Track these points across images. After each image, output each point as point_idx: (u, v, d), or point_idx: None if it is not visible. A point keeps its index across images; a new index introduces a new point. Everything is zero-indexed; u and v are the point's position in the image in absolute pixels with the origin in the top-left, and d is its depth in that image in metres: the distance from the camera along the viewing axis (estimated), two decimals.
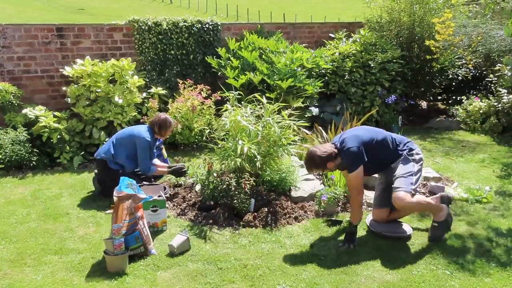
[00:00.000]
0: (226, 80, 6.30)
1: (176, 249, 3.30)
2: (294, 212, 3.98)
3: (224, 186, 3.96)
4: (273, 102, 4.45)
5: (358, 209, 3.48)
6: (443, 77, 7.79)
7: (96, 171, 4.59)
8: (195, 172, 4.43)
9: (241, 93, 5.20)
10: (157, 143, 5.11)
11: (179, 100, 5.92)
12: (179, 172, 4.54)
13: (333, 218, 3.89)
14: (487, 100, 6.90)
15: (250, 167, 4.19)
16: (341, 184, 4.33)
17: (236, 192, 3.91)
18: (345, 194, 4.30)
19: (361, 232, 3.66)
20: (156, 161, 4.72)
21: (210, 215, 3.89)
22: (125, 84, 5.97)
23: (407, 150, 3.58)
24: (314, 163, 3.48)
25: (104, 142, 5.32)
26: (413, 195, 3.43)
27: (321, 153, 3.44)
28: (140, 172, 4.53)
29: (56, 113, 5.74)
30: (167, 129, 4.60)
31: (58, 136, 5.48)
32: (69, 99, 5.93)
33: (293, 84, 6.33)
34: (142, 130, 4.50)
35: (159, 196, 3.80)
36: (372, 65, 7.09)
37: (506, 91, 6.55)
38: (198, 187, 4.14)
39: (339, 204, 4.15)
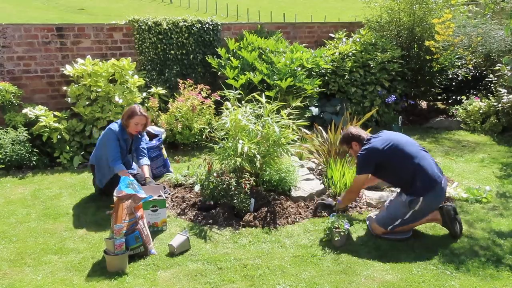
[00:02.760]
0: (226, 80, 6.30)
1: (176, 249, 3.30)
2: (294, 212, 3.98)
3: (224, 186, 3.96)
4: (272, 101, 4.45)
5: (347, 201, 3.90)
6: (443, 77, 7.79)
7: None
8: (195, 172, 4.43)
9: (241, 92, 5.20)
10: (157, 143, 5.11)
11: (179, 99, 5.92)
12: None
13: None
14: (487, 100, 6.90)
15: (250, 167, 4.19)
16: (340, 185, 4.33)
17: (236, 192, 3.91)
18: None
19: (361, 232, 3.67)
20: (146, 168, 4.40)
21: (210, 215, 3.89)
22: (125, 84, 5.97)
23: (413, 198, 3.39)
24: (344, 137, 3.84)
25: None
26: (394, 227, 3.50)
27: (354, 131, 3.76)
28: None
29: (56, 113, 5.74)
30: (129, 119, 4.24)
31: (58, 136, 5.48)
32: (69, 98, 5.92)
33: (293, 84, 6.34)
34: (111, 123, 4.38)
35: (159, 196, 3.80)
36: (372, 65, 7.09)
37: (506, 91, 6.55)
38: (198, 187, 4.14)
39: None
